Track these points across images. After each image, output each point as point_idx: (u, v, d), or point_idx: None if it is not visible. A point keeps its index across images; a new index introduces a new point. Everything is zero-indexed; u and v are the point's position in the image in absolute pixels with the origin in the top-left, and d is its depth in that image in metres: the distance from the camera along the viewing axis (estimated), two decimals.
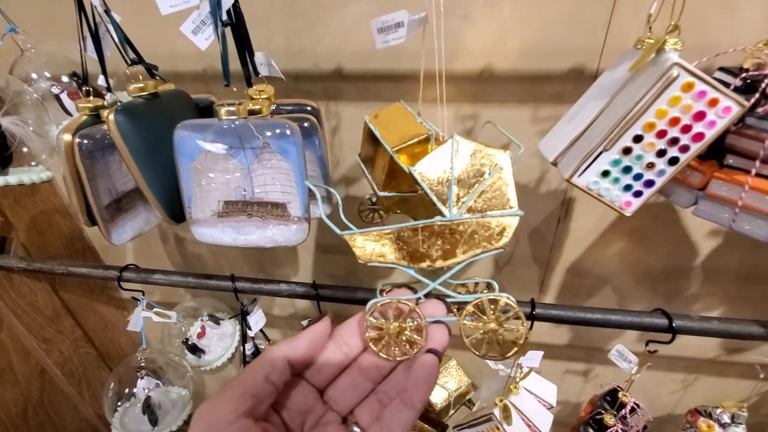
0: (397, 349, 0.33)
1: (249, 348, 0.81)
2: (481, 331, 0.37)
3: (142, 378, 0.84)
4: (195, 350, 0.94)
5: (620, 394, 0.71)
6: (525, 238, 0.80)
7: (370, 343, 0.33)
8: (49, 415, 0.97)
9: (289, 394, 0.30)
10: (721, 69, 0.42)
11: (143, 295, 0.78)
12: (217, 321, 0.96)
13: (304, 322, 0.76)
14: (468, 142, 0.36)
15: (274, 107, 0.57)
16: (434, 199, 0.36)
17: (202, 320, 0.97)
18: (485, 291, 0.49)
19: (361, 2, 0.61)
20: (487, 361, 0.72)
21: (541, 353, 0.69)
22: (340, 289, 0.67)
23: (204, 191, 0.52)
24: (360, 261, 0.37)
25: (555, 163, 0.47)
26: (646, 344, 0.62)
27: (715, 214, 0.43)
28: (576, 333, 0.91)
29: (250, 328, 0.77)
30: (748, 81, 0.40)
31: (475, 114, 0.67)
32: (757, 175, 0.39)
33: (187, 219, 0.51)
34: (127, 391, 0.84)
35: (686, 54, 0.38)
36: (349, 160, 0.75)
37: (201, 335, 0.97)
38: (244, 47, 0.48)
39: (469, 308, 0.36)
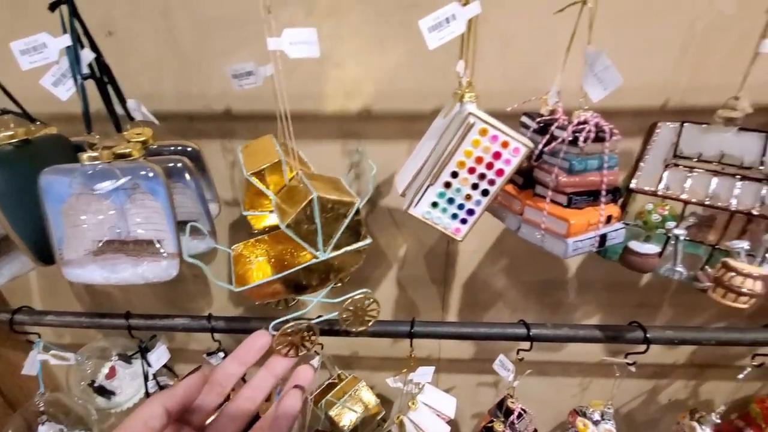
0: (297, 350, 0.54)
1: (152, 386, 0.80)
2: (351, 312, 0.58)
3: (42, 424, 0.81)
4: (103, 392, 0.91)
5: (508, 402, 0.76)
6: (422, 261, 0.86)
7: (282, 349, 0.54)
8: None
9: None
10: (525, 114, 0.50)
11: (39, 337, 0.77)
12: (128, 360, 0.94)
13: (206, 356, 0.78)
14: (329, 196, 0.47)
15: (155, 148, 0.60)
16: (307, 246, 0.49)
17: (112, 360, 0.95)
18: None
19: (244, 50, 0.66)
20: (387, 381, 0.77)
21: (432, 368, 0.74)
22: (235, 320, 0.69)
23: (78, 232, 0.54)
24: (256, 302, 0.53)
25: (403, 195, 0.53)
26: (517, 352, 0.69)
27: (532, 235, 0.50)
28: (480, 346, 0.96)
29: (150, 365, 0.77)
30: (542, 124, 0.47)
31: (362, 149, 0.73)
32: (552, 201, 0.47)
33: (57, 261, 0.52)
34: None
35: (520, 97, 0.45)
36: None
37: (111, 376, 0.94)
38: (108, 97, 0.51)
39: (347, 305, 0.57)
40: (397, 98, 0.68)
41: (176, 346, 0.98)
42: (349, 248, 0.52)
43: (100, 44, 0.54)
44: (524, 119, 0.50)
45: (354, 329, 0.61)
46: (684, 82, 0.63)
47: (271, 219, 0.58)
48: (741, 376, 0.66)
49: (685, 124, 0.48)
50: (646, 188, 0.48)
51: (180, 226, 0.62)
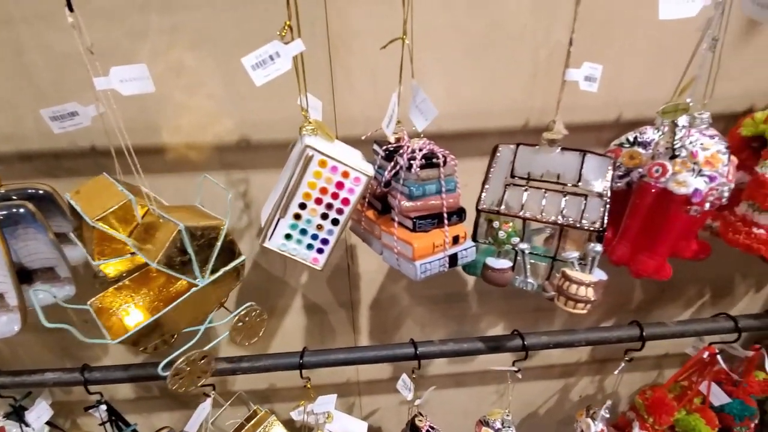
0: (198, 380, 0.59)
1: None
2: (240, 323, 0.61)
3: None
4: None
5: (416, 420, 0.77)
6: (325, 285, 0.85)
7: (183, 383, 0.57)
8: None
9: None
10: (376, 142, 0.52)
11: None
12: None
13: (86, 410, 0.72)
14: (196, 224, 0.48)
15: (2, 192, 0.56)
16: (184, 277, 0.50)
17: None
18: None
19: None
20: (291, 414, 0.75)
21: (334, 396, 0.73)
22: (115, 369, 0.65)
23: None
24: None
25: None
26: (413, 371, 0.70)
27: (391, 259, 0.51)
28: (397, 366, 0.97)
29: (28, 425, 0.70)
30: (387, 152, 0.49)
31: (246, 179, 0.72)
32: (401, 225, 0.48)
33: None
34: None
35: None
36: None
37: None
38: None
39: (235, 323, 0.60)
40: (267, 128, 0.68)
41: (60, 399, 0.90)
42: (227, 268, 0.54)
43: None
44: (375, 147, 0.52)
45: (246, 343, 0.63)
46: (538, 104, 0.68)
47: (129, 263, 0.55)
48: (616, 372, 0.71)
49: (519, 146, 0.52)
50: (491, 207, 0.51)
51: (38, 273, 0.58)
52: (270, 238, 0.48)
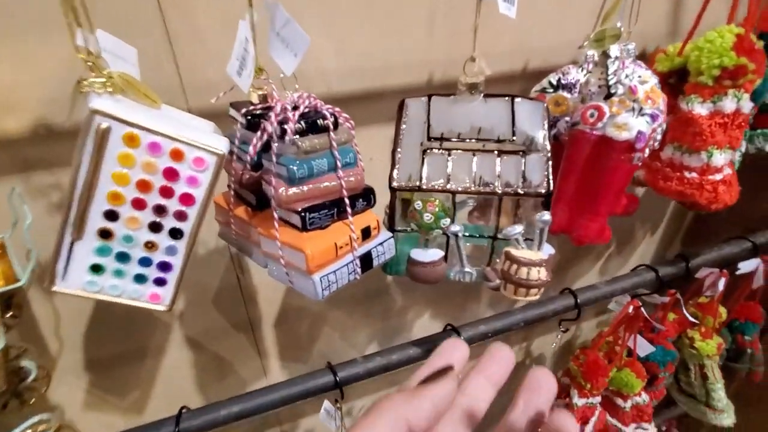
0: None
1: None
2: None
3: None
4: None
5: None
6: (212, 309, 0.66)
7: None
8: None
9: None
10: (232, 105, 0.35)
11: None
12: None
13: None
14: None
15: None
16: None
17: None
18: None
19: None
20: None
21: None
22: None
23: None
24: None
25: None
26: (336, 401, 0.56)
27: (280, 273, 0.35)
28: None
29: None
30: (249, 117, 0.32)
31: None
32: (285, 223, 0.32)
33: None
34: None
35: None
36: None
37: None
38: None
39: None
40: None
41: None
42: None
43: None
44: (231, 112, 0.34)
45: None
46: (442, 57, 0.56)
47: None
48: (554, 345, 0.65)
49: (432, 98, 0.39)
50: (409, 183, 0.38)
51: None
52: (63, 278, 0.29)
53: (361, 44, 0.55)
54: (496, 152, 0.37)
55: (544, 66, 0.64)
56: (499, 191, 0.37)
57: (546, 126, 0.37)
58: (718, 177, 0.45)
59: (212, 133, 0.32)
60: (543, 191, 0.35)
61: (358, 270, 0.35)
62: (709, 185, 0.45)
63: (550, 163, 0.36)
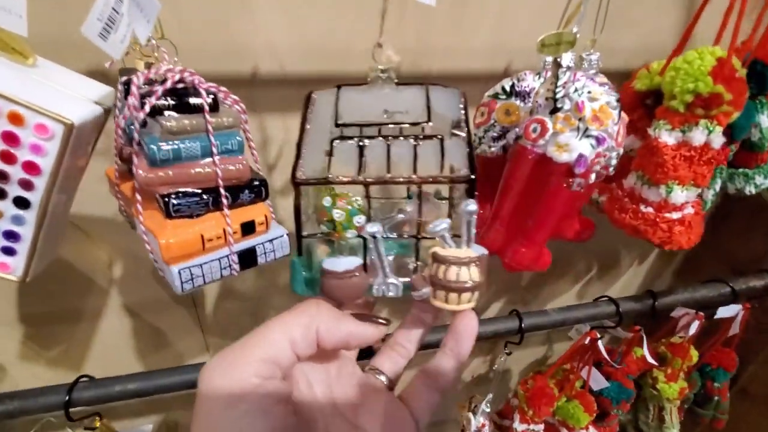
0: None
1: None
2: None
3: None
4: None
5: None
6: (152, 281, 0.64)
7: None
8: None
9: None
10: (121, 71, 0.32)
11: None
12: None
13: None
14: None
15: None
16: None
17: None
18: None
19: None
20: None
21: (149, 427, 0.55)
22: None
23: None
24: None
25: None
26: None
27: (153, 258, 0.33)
28: None
29: None
30: (128, 86, 0.29)
31: None
32: (147, 204, 0.30)
33: None
34: None
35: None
36: None
37: None
38: None
39: None
40: None
41: None
42: None
43: None
44: (121, 81, 0.31)
45: None
46: (411, 45, 0.52)
47: None
48: (495, 366, 0.62)
49: (341, 88, 0.35)
50: (315, 177, 0.34)
51: None
52: None
53: (323, 23, 0.52)
54: (412, 138, 0.33)
55: (528, 68, 0.59)
56: (416, 179, 0.33)
57: (463, 112, 0.33)
58: (675, 216, 0.40)
59: (81, 100, 0.29)
60: (464, 175, 0.31)
61: (236, 266, 0.32)
62: (664, 223, 0.40)
63: (472, 145, 0.32)
